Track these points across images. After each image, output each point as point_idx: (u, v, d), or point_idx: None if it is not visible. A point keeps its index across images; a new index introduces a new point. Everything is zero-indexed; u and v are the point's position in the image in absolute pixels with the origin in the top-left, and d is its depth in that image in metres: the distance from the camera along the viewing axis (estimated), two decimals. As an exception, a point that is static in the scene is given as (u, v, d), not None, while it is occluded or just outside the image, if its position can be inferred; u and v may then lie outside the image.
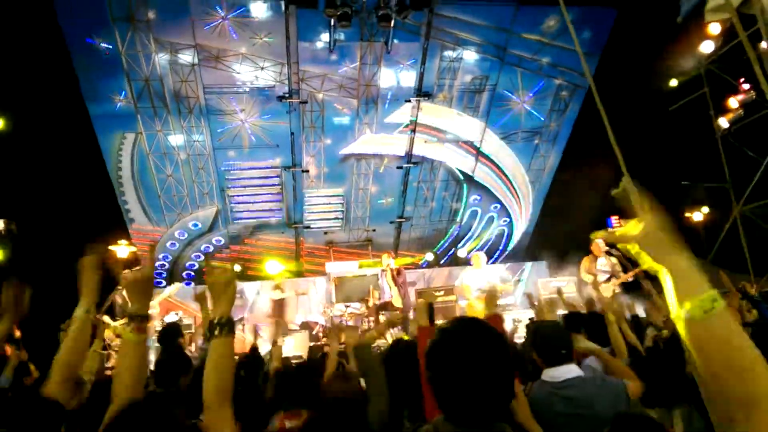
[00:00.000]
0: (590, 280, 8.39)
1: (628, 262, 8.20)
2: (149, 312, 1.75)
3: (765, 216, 10.94)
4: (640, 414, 2.21)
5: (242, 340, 10.70)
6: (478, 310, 9.04)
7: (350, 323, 10.22)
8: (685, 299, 1.07)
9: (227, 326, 1.61)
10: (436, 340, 1.38)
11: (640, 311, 6.00)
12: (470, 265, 10.32)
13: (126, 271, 1.79)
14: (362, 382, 2.64)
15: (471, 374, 1.26)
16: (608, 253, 8.47)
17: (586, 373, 2.76)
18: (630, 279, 8.11)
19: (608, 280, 8.40)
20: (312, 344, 9.82)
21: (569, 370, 2.59)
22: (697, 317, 1.04)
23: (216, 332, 1.60)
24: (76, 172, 10.21)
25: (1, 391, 3.51)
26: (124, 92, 10.87)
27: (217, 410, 1.51)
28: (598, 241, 8.42)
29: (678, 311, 1.07)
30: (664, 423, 2.72)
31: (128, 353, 1.68)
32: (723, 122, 11.29)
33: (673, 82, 11.73)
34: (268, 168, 12.59)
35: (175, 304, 9.91)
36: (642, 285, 7.99)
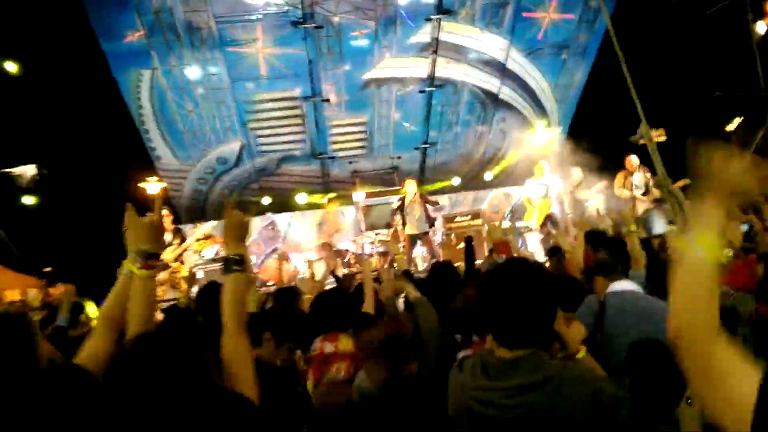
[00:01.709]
0: (627, 196, 8.46)
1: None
2: (158, 251, 1.91)
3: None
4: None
5: (277, 268, 11.16)
6: (539, 219, 9.29)
7: (381, 249, 10.54)
8: (702, 232, 1.08)
9: (241, 263, 1.79)
10: (490, 271, 1.63)
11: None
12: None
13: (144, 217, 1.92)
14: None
15: (514, 302, 1.53)
16: (641, 169, 8.48)
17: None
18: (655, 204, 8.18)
19: (644, 194, 8.44)
20: (345, 271, 10.26)
21: (629, 284, 2.88)
22: (702, 252, 1.06)
23: (232, 267, 1.78)
24: (98, 113, 10.41)
25: (61, 329, 3.77)
26: (135, 27, 10.81)
27: (235, 339, 1.68)
28: (632, 157, 8.41)
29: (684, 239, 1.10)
30: None
31: (139, 289, 1.82)
32: (761, 27, 10.78)
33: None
34: (288, 99, 12.55)
35: (213, 239, 10.34)
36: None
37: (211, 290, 3.73)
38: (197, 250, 8.96)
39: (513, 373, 1.48)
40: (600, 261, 3.11)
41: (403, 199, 9.87)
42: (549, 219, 9.47)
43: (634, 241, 3.73)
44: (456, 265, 4.51)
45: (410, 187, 9.90)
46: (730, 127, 12.07)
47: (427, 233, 9.83)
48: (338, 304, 3.21)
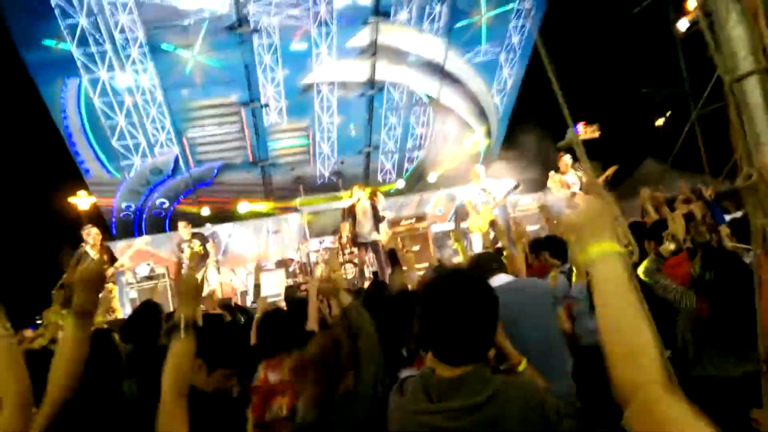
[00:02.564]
0: (566, 195, 8.63)
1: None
2: (93, 308, 1.73)
3: (724, 117, 11.28)
4: None
5: (217, 282, 10.82)
6: (480, 226, 9.29)
7: (327, 257, 10.35)
8: (590, 242, 1.07)
9: (192, 328, 1.69)
10: (429, 285, 1.56)
11: None
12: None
13: (79, 266, 1.77)
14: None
15: (457, 318, 1.46)
16: (574, 167, 8.70)
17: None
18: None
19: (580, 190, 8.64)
20: (289, 281, 10.01)
21: (501, 278, 2.93)
22: (596, 257, 1.04)
23: (181, 333, 1.67)
24: (23, 126, 9.81)
25: None
26: (57, 34, 10.25)
27: (172, 406, 1.59)
28: (565, 157, 8.60)
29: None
30: None
31: (68, 345, 1.66)
32: (683, 24, 11.36)
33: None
34: (225, 105, 12.26)
35: (146, 254, 9.88)
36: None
37: (146, 311, 3.47)
38: (129, 267, 8.54)
39: (457, 394, 1.41)
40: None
41: (353, 206, 9.67)
42: (492, 224, 9.57)
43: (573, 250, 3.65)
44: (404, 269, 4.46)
45: (359, 193, 9.72)
46: (659, 122, 12.68)
47: (376, 242, 9.71)
48: (279, 324, 3.05)
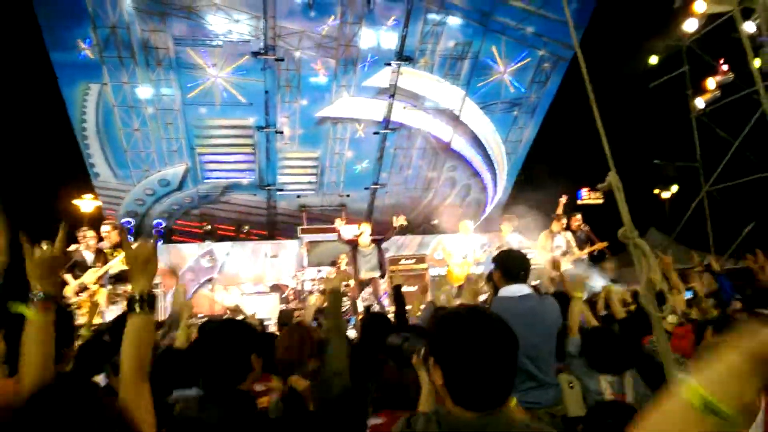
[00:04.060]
0: (546, 258, 8.61)
1: (595, 238, 8.50)
2: (56, 293, 1.68)
3: (731, 197, 11.37)
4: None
5: (211, 299, 10.79)
6: (457, 277, 9.30)
7: (322, 287, 10.29)
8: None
9: (148, 302, 1.61)
10: (445, 324, 1.45)
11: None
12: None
13: (37, 248, 1.70)
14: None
15: (485, 360, 1.35)
16: (568, 230, 8.71)
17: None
18: (584, 257, 8.44)
19: (563, 255, 8.64)
20: (283, 307, 9.95)
21: (524, 288, 3.12)
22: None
23: (136, 308, 1.59)
24: (40, 124, 9.95)
25: None
26: (89, 40, 10.51)
27: (135, 387, 1.51)
28: (578, 216, 8.63)
29: None
30: (614, 387, 3.03)
31: (34, 334, 1.61)
32: (699, 102, 11.57)
33: (653, 59, 11.92)
34: (240, 127, 12.40)
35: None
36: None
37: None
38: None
39: None
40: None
41: (357, 244, 9.52)
42: (468, 279, 9.48)
43: (577, 307, 3.61)
44: (408, 308, 4.45)
45: (365, 231, 9.62)
46: (666, 194, 12.77)
47: (375, 278, 9.65)
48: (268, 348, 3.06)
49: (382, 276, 9.33)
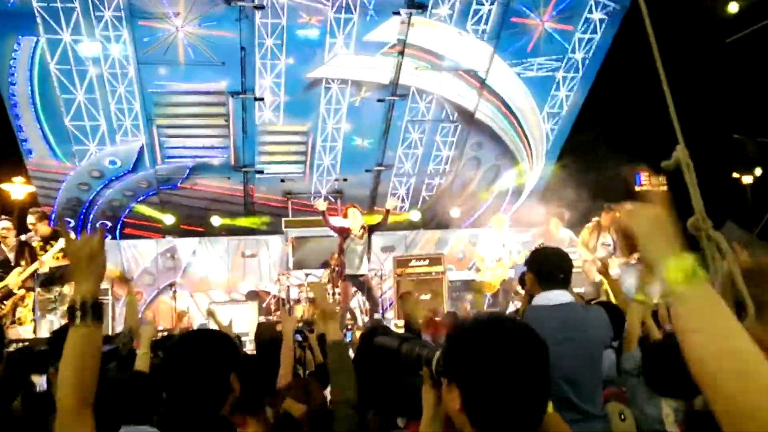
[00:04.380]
0: (588, 258, 8.60)
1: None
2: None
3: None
4: None
5: (172, 309, 10.82)
6: (491, 283, 9.34)
7: (311, 295, 10.33)
8: (659, 260, 1.17)
9: (93, 311, 1.60)
10: (465, 336, 1.48)
11: None
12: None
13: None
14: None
15: (514, 379, 1.39)
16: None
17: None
18: (634, 261, 8.38)
19: (610, 256, 8.63)
20: (262, 319, 9.97)
21: (564, 295, 3.14)
22: (679, 284, 1.12)
23: (78, 318, 1.58)
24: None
25: None
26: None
27: (74, 417, 1.52)
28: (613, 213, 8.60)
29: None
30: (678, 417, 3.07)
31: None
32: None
33: (733, 7, 11.74)
34: (210, 93, 12.39)
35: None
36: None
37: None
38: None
39: None
40: None
41: (346, 234, 9.58)
42: (503, 286, 9.55)
43: (636, 315, 3.64)
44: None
45: (354, 218, 9.67)
46: (747, 178, 12.62)
47: (365, 277, 9.70)
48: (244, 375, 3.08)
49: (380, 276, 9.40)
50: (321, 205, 9.41)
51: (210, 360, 2.03)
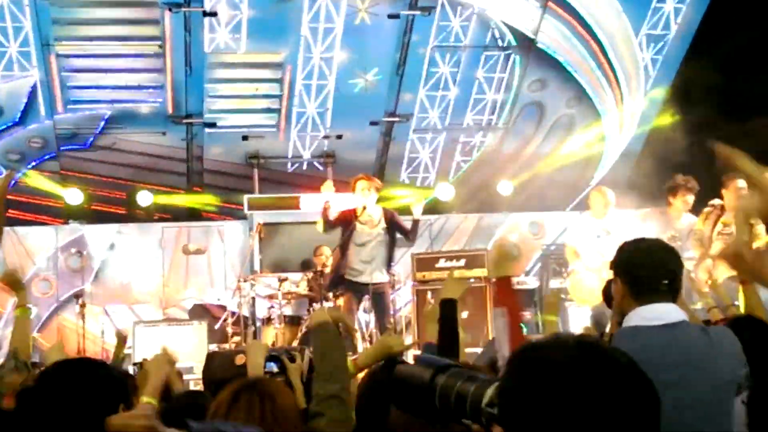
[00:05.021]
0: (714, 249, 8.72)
1: None
2: None
3: None
4: None
5: (79, 328, 11.01)
6: (586, 296, 9.43)
7: (291, 312, 10.43)
8: None
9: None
10: (535, 370, 1.46)
11: None
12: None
13: None
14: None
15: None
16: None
17: None
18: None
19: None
20: (214, 348, 10.03)
21: (670, 312, 3.15)
22: None
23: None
24: None
25: None
26: None
27: None
28: (739, 181, 8.75)
29: None
30: None
31: None
32: None
33: None
34: (136, 4, 12.65)
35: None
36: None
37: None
38: None
39: None
40: None
41: (352, 217, 9.51)
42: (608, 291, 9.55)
43: None
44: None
45: (365, 195, 9.72)
46: None
47: (383, 285, 9.62)
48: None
49: (392, 285, 9.47)
50: (327, 187, 9.44)
51: (82, 401, 2.16)
